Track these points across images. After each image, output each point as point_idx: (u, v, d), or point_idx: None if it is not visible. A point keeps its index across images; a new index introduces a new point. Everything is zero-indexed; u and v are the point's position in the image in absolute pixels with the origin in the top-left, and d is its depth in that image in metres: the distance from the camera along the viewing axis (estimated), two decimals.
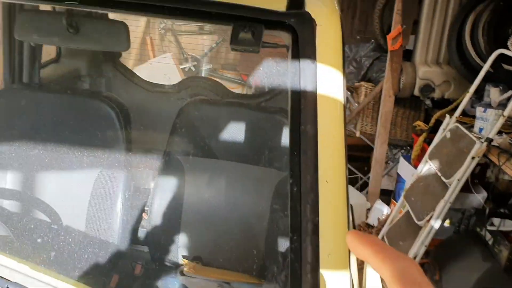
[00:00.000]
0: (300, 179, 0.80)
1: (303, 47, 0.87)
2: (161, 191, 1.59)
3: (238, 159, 1.61)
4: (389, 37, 3.07)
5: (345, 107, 0.92)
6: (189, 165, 1.61)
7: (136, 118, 2.48)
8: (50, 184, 1.52)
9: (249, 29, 0.87)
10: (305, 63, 0.87)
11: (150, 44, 4.59)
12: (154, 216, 1.59)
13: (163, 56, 4.46)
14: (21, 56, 1.68)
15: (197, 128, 1.61)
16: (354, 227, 1.26)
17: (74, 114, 1.50)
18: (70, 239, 1.50)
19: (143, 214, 1.70)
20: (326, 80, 0.89)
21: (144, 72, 4.42)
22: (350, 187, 3.78)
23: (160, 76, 4.02)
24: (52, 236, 1.50)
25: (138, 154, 2.25)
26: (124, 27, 1.01)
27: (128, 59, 4.61)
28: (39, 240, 1.49)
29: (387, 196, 3.83)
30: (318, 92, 0.86)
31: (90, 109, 1.50)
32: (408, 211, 2.97)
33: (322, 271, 0.77)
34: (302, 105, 0.85)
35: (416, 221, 2.83)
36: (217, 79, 4.66)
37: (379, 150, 3.54)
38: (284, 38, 0.93)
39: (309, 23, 0.88)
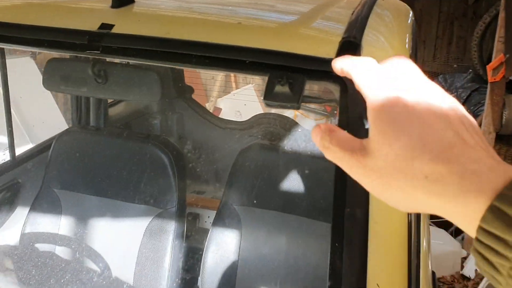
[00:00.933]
0: (341, 278, 0.61)
1: (352, 102, 0.69)
2: (215, 244, 1.45)
3: (300, 212, 1.43)
4: (489, 67, 2.72)
5: None
6: (246, 216, 1.46)
7: (206, 155, 2.41)
8: (101, 230, 1.46)
9: (286, 80, 0.71)
10: (355, 123, 0.69)
11: (233, 75, 4.59)
12: (208, 271, 1.46)
13: (245, 87, 4.42)
14: (88, 98, 1.67)
15: (256, 176, 1.46)
16: None
17: (127, 159, 1.44)
18: None
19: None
20: None
21: (227, 103, 4.42)
22: (443, 231, 3.37)
23: (241, 107, 3.97)
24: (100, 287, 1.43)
25: (195, 200, 2.16)
26: (155, 75, 0.90)
27: (212, 91, 4.64)
28: None
29: None
30: None
31: (143, 154, 1.43)
32: None
33: None
34: (348, 179, 0.66)
35: None
36: (299, 110, 4.52)
37: None
38: (334, 90, 0.75)
39: None
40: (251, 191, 1.46)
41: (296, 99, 0.71)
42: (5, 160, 1.55)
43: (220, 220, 1.47)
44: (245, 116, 2.42)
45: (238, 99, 4.23)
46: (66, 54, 0.84)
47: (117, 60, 0.95)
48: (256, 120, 2.30)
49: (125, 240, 1.44)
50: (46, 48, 0.83)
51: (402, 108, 0.37)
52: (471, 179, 0.34)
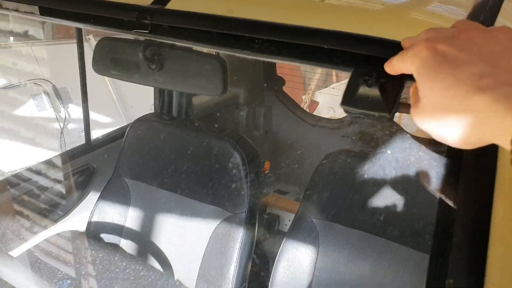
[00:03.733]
0: None
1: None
2: (287, 260, 1.27)
3: (391, 235, 1.19)
4: None
5: None
6: (325, 233, 1.26)
7: (292, 154, 2.23)
8: (167, 228, 1.36)
9: (377, 79, 0.51)
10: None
11: None
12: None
13: (346, 80, 4.14)
14: None
15: (340, 188, 1.25)
16: None
17: (199, 154, 1.31)
18: None
19: None
20: None
21: (324, 97, 4.19)
22: None
23: (335, 104, 3.72)
24: None
25: (276, 200, 1.99)
26: (220, 64, 0.74)
27: (311, 82, 4.44)
28: None
29: None
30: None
31: (216, 151, 1.29)
32: None
33: None
34: (457, 229, 0.45)
35: None
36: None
37: None
38: None
39: None
40: (333, 205, 1.26)
41: (388, 108, 0.50)
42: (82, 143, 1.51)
43: (295, 233, 1.29)
44: (339, 113, 2.19)
45: (336, 94, 3.97)
46: (118, 33, 0.71)
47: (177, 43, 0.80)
48: (352, 119, 2.06)
49: (190, 241, 1.32)
50: (91, 25, 0.71)
51: (434, 53, 0.40)
52: (501, 101, 0.35)
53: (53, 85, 2.93)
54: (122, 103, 3.36)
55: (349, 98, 0.51)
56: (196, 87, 0.79)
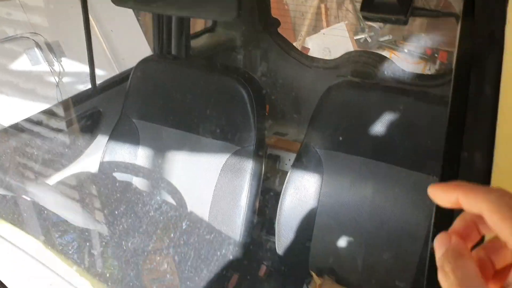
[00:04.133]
0: None
1: (482, 19, 0.51)
2: (294, 188, 1.35)
3: (390, 160, 1.27)
4: None
5: None
6: (328, 161, 1.34)
7: (290, 95, 2.28)
8: (177, 164, 1.42)
9: None
10: (482, 45, 0.52)
11: (324, 13, 4.31)
12: (285, 214, 1.38)
13: (336, 25, 4.14)
14: (169, 27, 1.60)
15: (342, 118, 1.31)
16: None
17: (206, 92, 1.35)
18: (193, 229, 1.39)
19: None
20: None
21: (316, 42, 4.20)
22: None
23: (330, 45, 3.74)
24: (176, 220, 1.41)
25: (276, 141, 2.05)
26: None
27: (301, 29, 4.42)
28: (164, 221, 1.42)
29: None
30: (502, 97, 0.50)
31: (222, 88, 1.33)
32: None
33: None
34: (468, 118, 0.50)
35: None
36: (395, 52, 4.18)
37: None
38: (453, 1, 0.58)
39: None
40: (335, 134, 1.32)
41: (403, 10, 0.55)
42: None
43: (300, 163, 1.36)
44: (335, 55, 2.23)
45: (328, 38, 3.98)
46: None
47: None
48: (347, 58, 2.11)
49: (201, 175, 1.39)
50: None
51: None
52: None
53: (45, 39, 2.90)
54: (114, 56, 3.34)
55: (368, 4, 0.56)
56: (210, 12, 0.82)
